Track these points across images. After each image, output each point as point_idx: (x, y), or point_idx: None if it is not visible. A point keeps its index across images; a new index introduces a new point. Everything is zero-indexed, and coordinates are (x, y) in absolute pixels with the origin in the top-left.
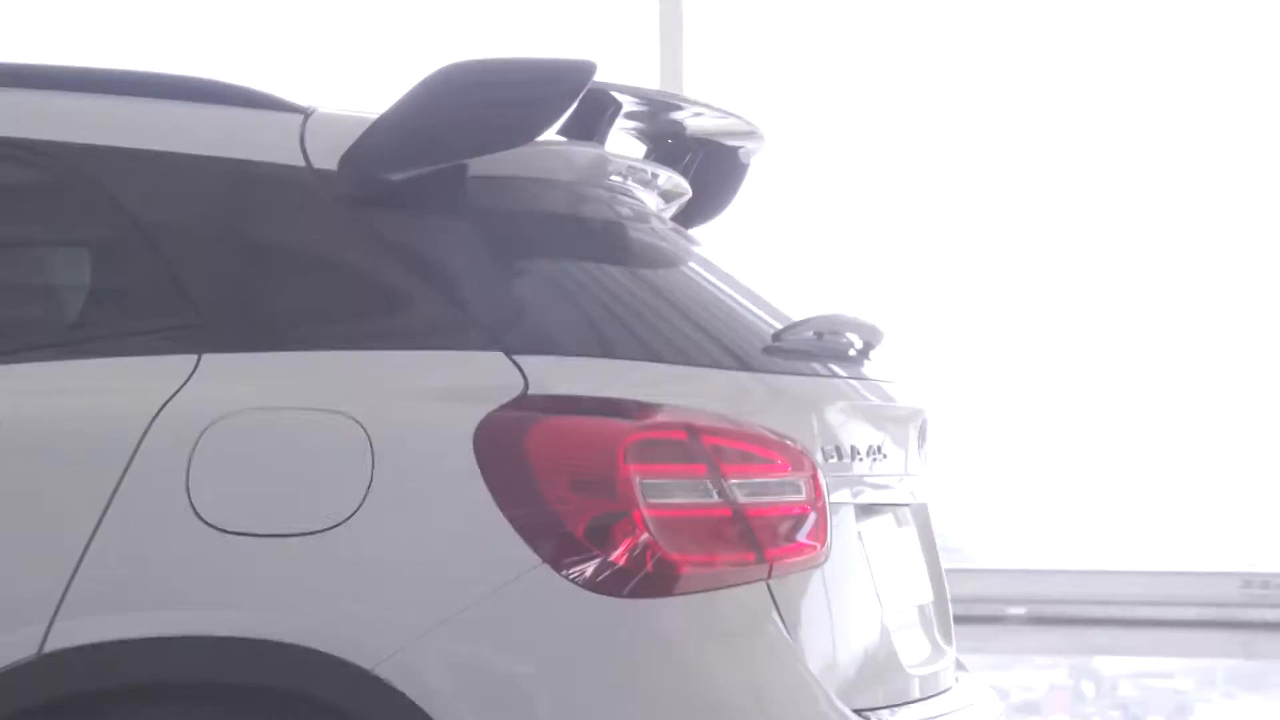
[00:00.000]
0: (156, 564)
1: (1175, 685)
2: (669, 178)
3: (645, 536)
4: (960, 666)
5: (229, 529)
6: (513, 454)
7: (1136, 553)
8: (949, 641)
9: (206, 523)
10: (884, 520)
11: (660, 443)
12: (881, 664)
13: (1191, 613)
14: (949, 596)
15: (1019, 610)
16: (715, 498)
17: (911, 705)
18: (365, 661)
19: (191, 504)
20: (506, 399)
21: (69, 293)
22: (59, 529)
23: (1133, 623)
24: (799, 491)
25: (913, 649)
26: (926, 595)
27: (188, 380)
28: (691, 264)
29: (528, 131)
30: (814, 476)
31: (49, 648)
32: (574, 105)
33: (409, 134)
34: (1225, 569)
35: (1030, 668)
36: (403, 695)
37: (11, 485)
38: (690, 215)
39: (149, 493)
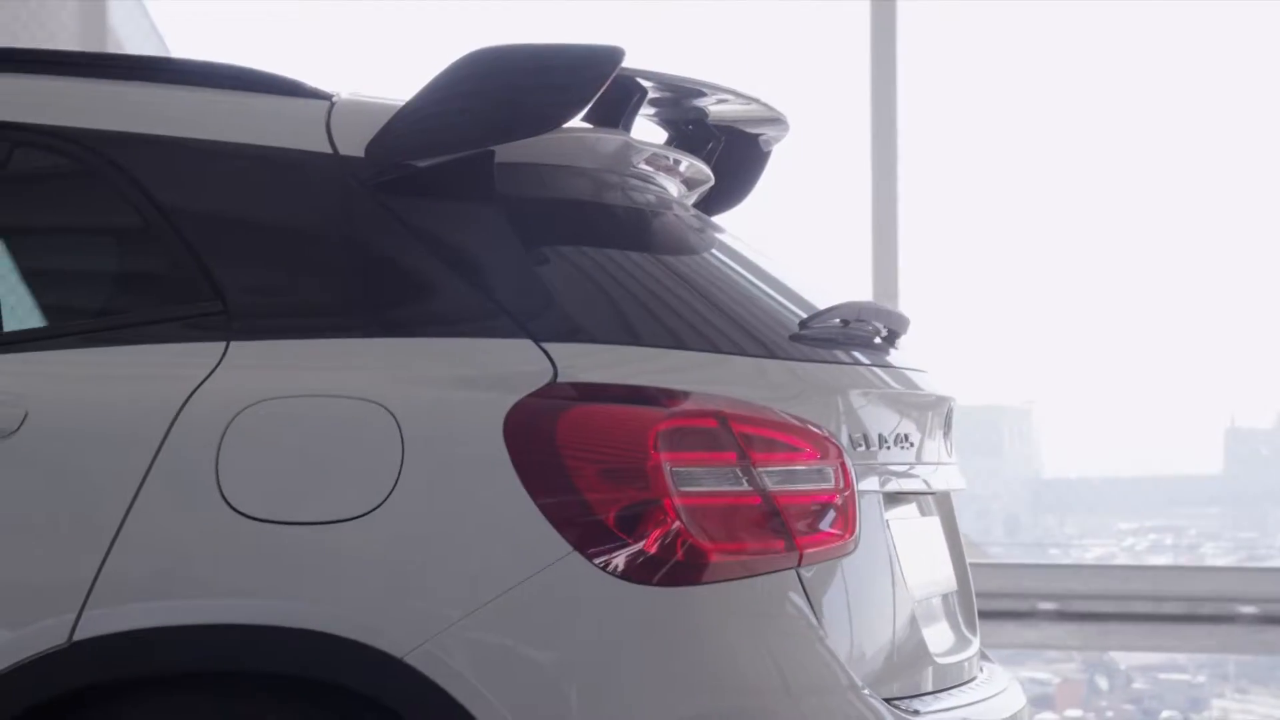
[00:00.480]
0: (186, 552)
1: (1189, 679)
2: (692, 165)
3: (676, 524)
4: (984, 656)
5: (259, 517)
6: (543, 441)
7: None
8: (974, 631)
9: (236, 510)
10: (909, 509)
11: (691, 430)
12: (909, 653)
13: (1203, 608)
14: (973, 586)
15: (1031, 604)
16: (745, 486)
17: (939, 694)
18: (395, 649)
19: (221, 491)
20: (536, 386)
21: (96, 280)
22: (88, 516)
23: (1144, 617)
24: (828, 480)
25: (939, 638)
26: (951, 585)
27: (216, 367)
28: (717, 251)
29: (555, 118)
30: (842, 465)
31: (79, 635)
32: (601, 92)
33: (436, 120)
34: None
35: (1041, 661)
36: (433, 683)
37: (40, 473)
38: (711, 203)
39: (178, 480)
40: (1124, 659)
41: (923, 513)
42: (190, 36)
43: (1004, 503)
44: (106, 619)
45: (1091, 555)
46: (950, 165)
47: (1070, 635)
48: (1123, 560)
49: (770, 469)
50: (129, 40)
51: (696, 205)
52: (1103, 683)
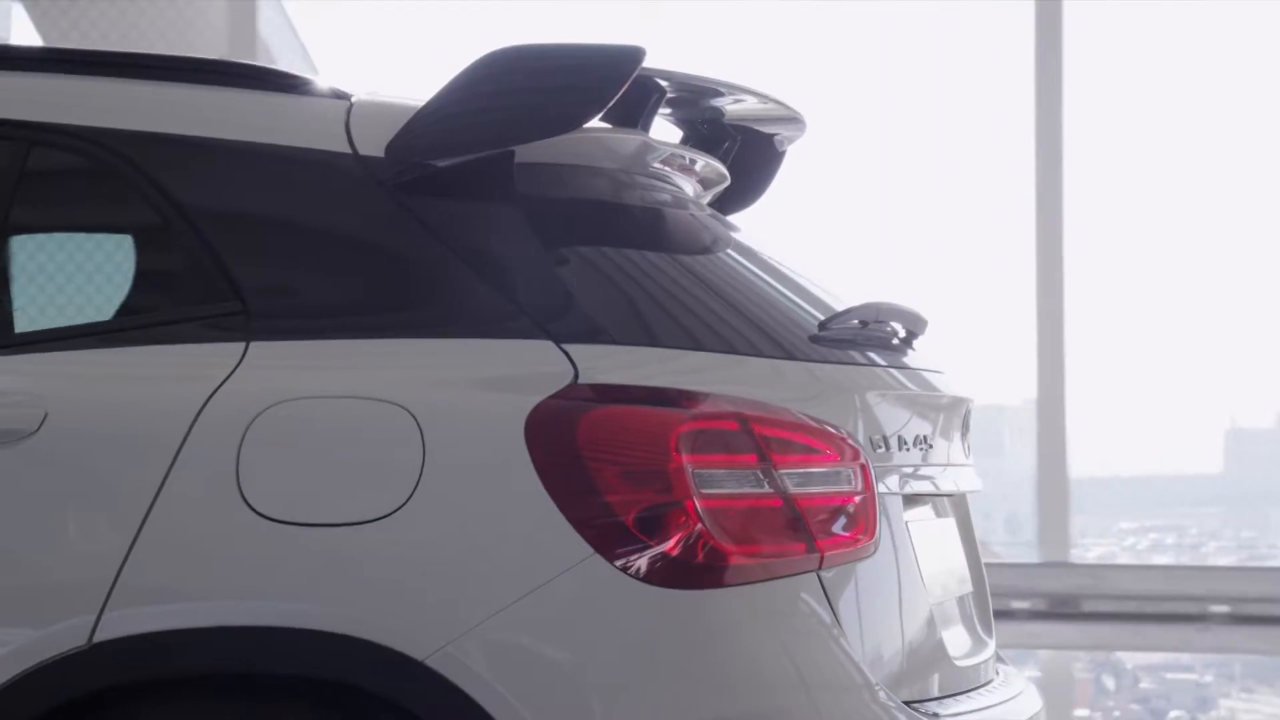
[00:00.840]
0: (206, 553)
1: (1196, 678)
2: (708, 164)
3: (698, 527)
4: (999, 659)
5: (279, 518)
6: (564, 444)
7: None
8: (989, 633)
9: (257, 512)
10: (926, 510)
11: (712, 432)
12: (928, 656)
13: (1210, 607)
14: (988, 588)
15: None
16: (766, 488)
17: (958, 697)
18: (417, 652)
19: (241, 493)
20: (557, 388)
21: (116, 280)
22: (108, 518)
23: (1150, 617)
24: (848, 482)
25: (957, 641)
26: (967, 586)
27: (236, 368)
28: (735, 252)
29: (576, 118)
30: (863, 467)
31: (99, 637)
32: (622, 92)
33: (456, 120)
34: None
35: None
36: (454, 686)
37: (60, 474)
38: (725, 202)
39: (198, 481)
40: (1130, 659)
41: (939, 514)
42: (327, 37)
43: (1005, 502)
44: (126, 620)
45: (1093, 555)
46: (944, 166)
47: (1076, 635)
48: (1124, 559)
49: (791, 471)
50: (272, 41)
51: (710, 205)
52: (1109, 682)
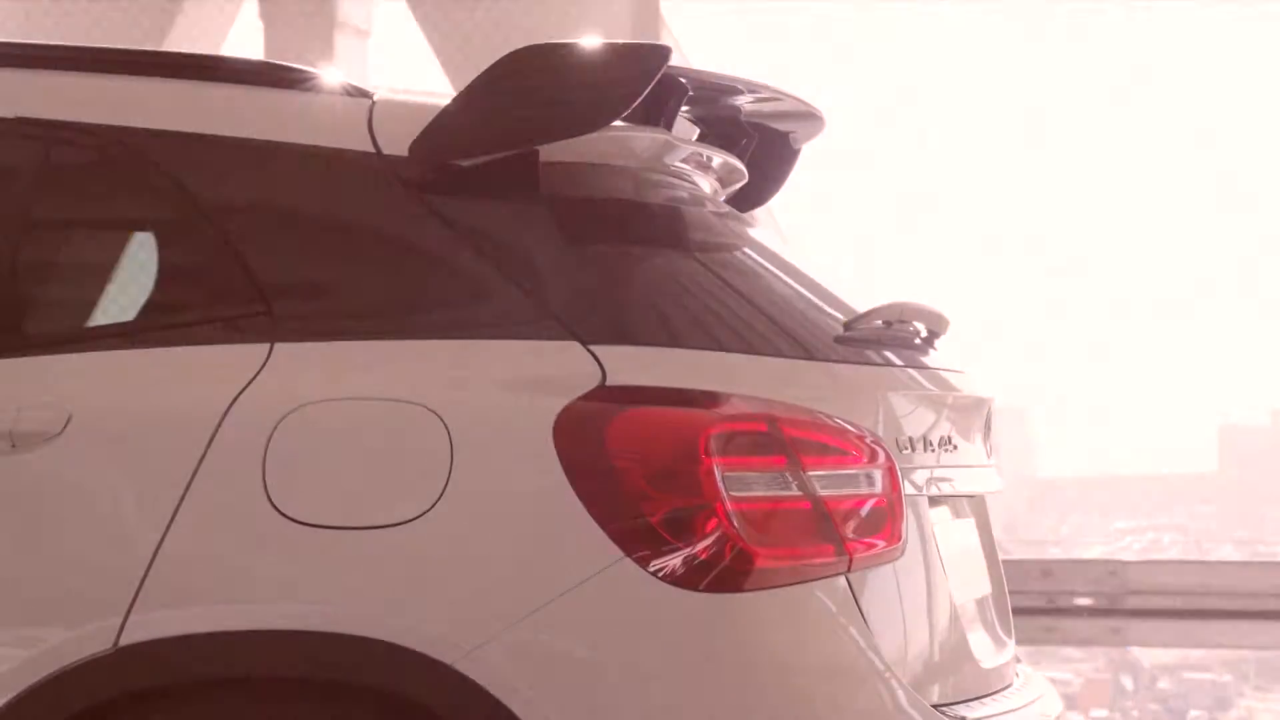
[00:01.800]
0: (232, 557)
1: (1214, 678)
2: (727, 163)
3: (728, 530)
4: (1018, 659)
5: (307, 521)
6: (593, 446)
7: None
8: (1009, 635)
9: (284, 515)
10: (949, 511)
11: (741, 435)
12: (954, 658)
13: (1221, 603)
14: (1006, 588)
15: (1048, 601)
16: (795, 490)
17: (984, 700)
18: (446, 656)
19: (268, 496)
20: (585, 390)
21: (139, 281)
22: (134, 521)
23: (1163, 613)
24: (876, 484)
25: (980, 643)
26: (986, 587)
27: (261, 370)
28: (755, 252)
29: (602, 117)
30: (890, 469)
31: (125, 641)
32: (647, 91)
33: (480, 120)
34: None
35: (1059, 660)
36: (484, 690)
37: (85, 477)
38: (739, 199)
39: (225, 484)
40: (1147, 658)
41: (960, 515)
42: (697, 33)
43: (1002, 502)
44: (152, 624)
45: (1092, 554)
46: (934, 168)
47: (1093, 633)
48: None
49: (820, 473)
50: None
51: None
52: (1127, 682)
